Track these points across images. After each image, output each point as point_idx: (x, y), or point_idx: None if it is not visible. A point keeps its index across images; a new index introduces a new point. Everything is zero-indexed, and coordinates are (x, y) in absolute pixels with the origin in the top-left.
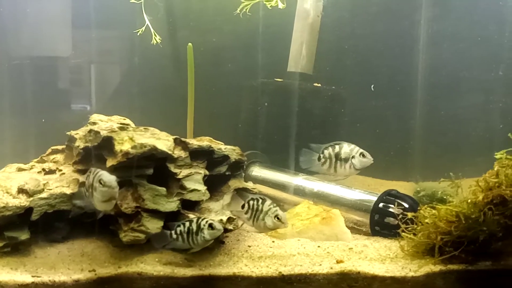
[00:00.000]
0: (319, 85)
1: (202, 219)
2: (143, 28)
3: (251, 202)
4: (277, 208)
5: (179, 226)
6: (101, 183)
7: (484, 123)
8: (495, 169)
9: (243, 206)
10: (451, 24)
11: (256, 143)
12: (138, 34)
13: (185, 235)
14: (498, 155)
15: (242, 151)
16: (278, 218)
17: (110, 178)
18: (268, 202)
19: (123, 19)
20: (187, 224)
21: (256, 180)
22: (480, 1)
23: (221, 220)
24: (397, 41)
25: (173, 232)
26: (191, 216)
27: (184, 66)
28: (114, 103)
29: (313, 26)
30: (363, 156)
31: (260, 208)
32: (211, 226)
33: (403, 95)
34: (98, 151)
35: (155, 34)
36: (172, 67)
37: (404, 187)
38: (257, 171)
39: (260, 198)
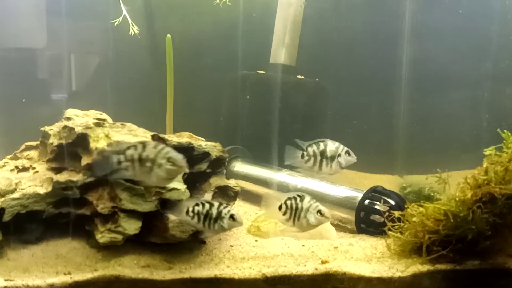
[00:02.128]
0: (302, 77)
1: (225, 207)
2: (120, 18)
3: (288, 202)
4: (318, 203)
5: (197, 205)
6: (169, 161)
7: (470, 116)
8: (484, 165)
9: (280, 207)
10: (436, 16)
11: (238, 138)
12: (115, 24)
13: (201, 217)
14: (487, 152)
15: (224, 146)
16: (321, 213)
17: (180, 157)
18: (308, 198)
19: (99, 9)
20: (207, 206)
21: (238, 176)
22: None
23: None
24: (382, 32)
25: (190, 209)
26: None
27: (162, 58)
28: (90, 96)
29: (296, 16)
30: (348, 154)
31: (300, 206)
32: (232, 217)
33: (387, 88)
34: (73, 148)
35: (132, 25)
36: (150, 59)
37: (389, 181)
38: (239, 166)
39: (298, 195)
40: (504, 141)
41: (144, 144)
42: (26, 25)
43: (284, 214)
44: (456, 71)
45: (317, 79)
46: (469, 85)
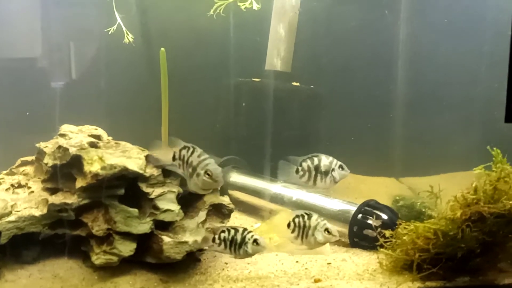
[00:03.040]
0: (298, 84)
1: (248, 232)
2: (115, 26)
3: (296, 220)
4: (325, 221)
5: (223, 232)
6: (207, 174)
7: (464, 119)
8: (473, 185)
9: (288, 225)
10: (432, 19)
11: (234, 146)
12: (110, 33)
13: (228, 243)
14: (476, 170)
15: (220, 155)
16: (328, 231)
17: (217, 172)
18: (315, 216)
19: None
20: (232, 232)
21: (234, 187)
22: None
23: (196, 240)
24: (377, 38)
25: (216, 236)
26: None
27: (158, 67)
28: (85, 107)
29: (291, 23)
30: (342, 168)
31: (307, 224)
32: (256, 242)
33: (383, 92)
34: (67, 169)
35: (127, 33)
36: (145, 68)
37: (386, 184)
38: (235, 177)
39: (306, 213)
40: (493, 159)
41: (193, 149)
42: (19, 35)
43: (293, 231)
44: (451, 74)
45: (312, 86)
46: (464, 89)
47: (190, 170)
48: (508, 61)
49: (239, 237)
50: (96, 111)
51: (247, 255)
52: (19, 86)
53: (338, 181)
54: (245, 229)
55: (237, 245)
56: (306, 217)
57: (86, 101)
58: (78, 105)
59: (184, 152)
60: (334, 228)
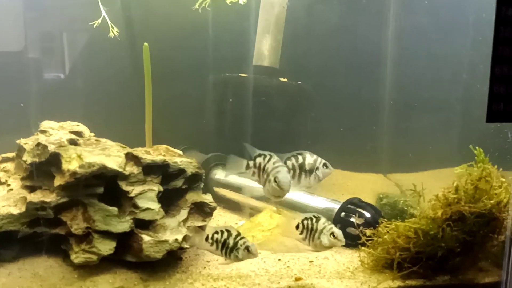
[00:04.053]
0: (286, 80)
1: (241, 238)
2: (99, 20)
3: (305, 222)
4: (332, 225)
5: (216, 233)
6: (275, 181)
7: (448, 118)
8: (454, 184)
9: (297, 227)
10: (419, 16)
11: (219, 142)
12: (94, 26)
13: (220, 245)
14: (458, 170)
15: (206, 151)
16: (334, 236)
17: (285, 181)
18: (323, 220)
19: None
20: (225, 235)
21: (219, 184)
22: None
23: (177, 239)
24: (366, 33)
25: (209, 236)
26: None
27: (140, 61)
28: (66, 102)
29: (279, 17)
30: (326, 166)
31: (315, 227)
32: (247, 249)
33: (370, 88)
34: (46, 167)
35: (112, 26)
36: (129, 63)
37: (373, 180)
38: (220, 174)
39: (314, 216)
40: (476, 158)
41: (269, 157)
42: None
43: (301, 233)
44: (439, 70)
45: (300, 82)
46: (451, 83)
47: (265, 177)
48: (490, 62)
49: (231, 241)
50: (79, 107)
51: (237, 259)
52: None
53: (322, 179)
54: (238, 234)
55: (228, 249)
56: (314, 219)
57: (69, 96)
58: (60, 100)
59: (259, 159)
60: (340, 232)
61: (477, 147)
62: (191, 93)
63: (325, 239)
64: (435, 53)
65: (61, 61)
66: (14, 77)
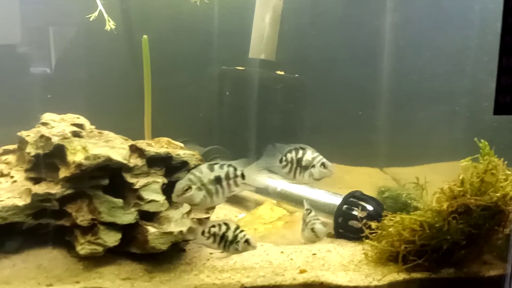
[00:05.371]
0: (282, 73)
1: (240, 231)
2: (96, 13)
3: (304, 213)
4: (316, 221)
5: (214, 226)
6: (323, 166)
7: (449, 111)
8: (460, 177)
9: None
10: (417, 8)
11: (217, 135)
12: (91, 19)
13: (218, 238)
14: (463, 162)
15: (203, 144)
16: (313, 231)
17: (330, 164)
18: (312, 214)
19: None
20: (224, 228)
21: None
22: None
23: (181, 231)
24: (362, 26)
25: (206, 230)
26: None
27: (139, 55)
28: (65, 95)
29: (275, 9)
30: (324, 166)
31: (305, 219)
32: (247, 242)
33: (368, 82)
34: (50, 159)
35: (108, 19)
36: (127, 55)
37: (370, 174)
38: None
39: (309, 209)
40: (481, 151)
41: (303, 150)
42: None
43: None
44: (437, 64)
45: (296, 75)
46: (449, 75)
47: (299, 168)
48: (498, 53)
49: (230, 234)
50: (77, 100)
51: (236, 252)
52: None
53: (317, 179)
54: (237, 227)
55: (227, 242)
56: (308, 212)
57: (67, 89)
58: (58, 93)
59: (291, 154)
60: (322, 229)
61: (482, 140)
62: (188, 86)
63: (307, 233)
64: (436, 44)
65: (58, 54)
66: (10, 70)
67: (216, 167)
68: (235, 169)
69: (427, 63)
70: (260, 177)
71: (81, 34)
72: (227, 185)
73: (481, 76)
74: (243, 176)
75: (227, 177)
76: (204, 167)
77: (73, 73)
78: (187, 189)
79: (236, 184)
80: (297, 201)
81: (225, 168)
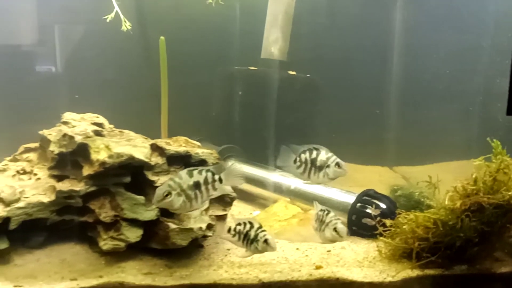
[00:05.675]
0: (294, 73)
1: (262, 231)
2: (112, 14)
3: (319, 213)
4: (338, 221)
5: (239, 224)
6: (338, 166)
7: (458, 108)
8: (473, 176)
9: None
10: (428, 8)
11: (230, 134)
12: (108, 20)
13: (242, 236)
14: (476, 162)
15: (216, 143)
16: (336, 231)
17: (344, 163)
18: (331, 214)
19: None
20: (248, 227)
21: None
22: None
23: (201, 227)
24: (375, 27)
25: (232, 227)
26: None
27: (154, 55)
28: (83, 96)
29: (287, 11)
30: (338, 166)
31: (324, 219)
32: (266, 242)
33: (379, 81)
34: (73, 157)
35: (125, 20)
36: (143, 57)
37: (380, 173)
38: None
39: (327, 210)
40: (493, 150)
41: (317, 149)
42: (17, 24)
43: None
44: (448, 62)
45: (308, 75)
46: (459, 76)
47: (313, 168)
48: (511, 54)
49: (253, 233)
50: (94, 100)
51: (257, 251)
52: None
53: (332, 178)
54: (260, 227)
55: (249, 240)
56: (325, 212)
57: (84, 89)
58: (76, 93)
59: (305, 155)
60: (343, 229)
61: (494, 140)
62: (201, 86)
63: (328, 233)
64: (450, 45)
65: (74, 54)
66: (29, 70)
67: (195, 172)
68: (213, 174)
69: (439, 63)
70: (237, 178)
71: (98, 34)
72: (205, 190)
73: (495, 77)
74: (220, 180)
75: (206, 182)
76: (183, 173)
77: (90, 73)
78: (167, 195)
79: (214, 188)
80: (311, 199)
81: (204, 174)
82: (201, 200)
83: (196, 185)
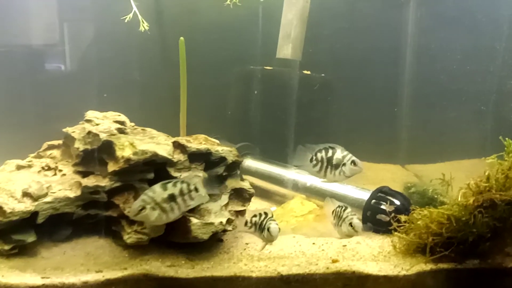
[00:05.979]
0: (309, 72)
1: (268, 220)
2: (131, 15)
3: (337, 209)
4: (354, 216)
5: (255, 216)
6: (353, 163)
7: (471, 107)
8: (486, 173)
9: (333, 212)
10: (442, 9)
11: (246, 133)
12: (126, 21)
13: (257, 227)
14: (489, 160)
15: (232, 142)
16: (351, 226)
17: (360, 161)
18: (348, 210)
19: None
20: (262, 217)
21: (248, 172)
22: None
23: (221, 222)
24: (389, 26)
25: (248, 220)
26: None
27: (171, 54)
28: (103, 95)
29: (302, 10)
30: (354, 164)
31: (341, 215)
32: (268, 229)
33: (392, 81)
34: (98, 154)
35: (142, 21)
36: (161, 56)
37: (391, 171)
38: (249, 162)
39: (344, 206)
40: (505, 149)
41: (333, 149)
42: (38, 22)
43: (334, 219)
44: (460, 62)
45: (323, 74)
46: (471, 75)
47: (329, 166)
48: None
49: (264, 222)
50: (115, 99)
51: (267, 240)
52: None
53: (348, 176)
54: (266, 215)
55: (261, 229)
56: (343, 208)
57: (105, 89)
58: (95, 92)
59: (321, 154)
60: (359, 224)
61: (507, 138)
62: (217, 86)
63: (345, 228)
64: (460, 46)
65: (95, 54)
66: (49, 70)
67: (170, 185)
68: (188, 185)
69: (452, 63)
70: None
71: (120, 35)
72: (182, 201)
73: (507, 78)
74: (196, 189)
75: (181, 193)
76: (157, 186)
77: (111, 73)
78: (141, 209)
79: (191, 198)
80: (326, 196)
81: (178, 185)
82: (178, 211)
83: (171, 197)
